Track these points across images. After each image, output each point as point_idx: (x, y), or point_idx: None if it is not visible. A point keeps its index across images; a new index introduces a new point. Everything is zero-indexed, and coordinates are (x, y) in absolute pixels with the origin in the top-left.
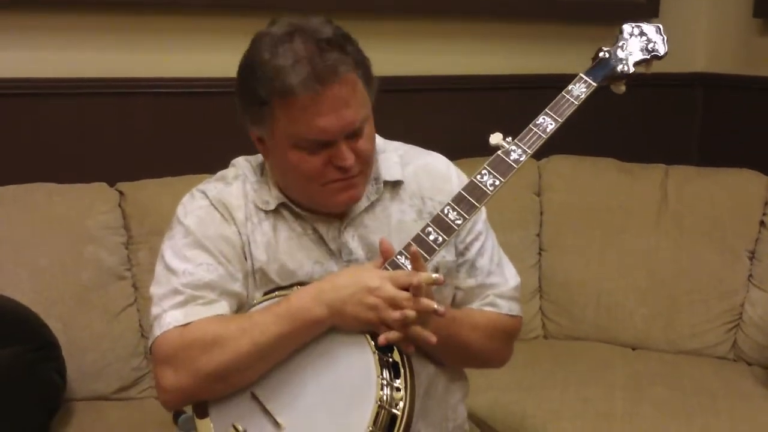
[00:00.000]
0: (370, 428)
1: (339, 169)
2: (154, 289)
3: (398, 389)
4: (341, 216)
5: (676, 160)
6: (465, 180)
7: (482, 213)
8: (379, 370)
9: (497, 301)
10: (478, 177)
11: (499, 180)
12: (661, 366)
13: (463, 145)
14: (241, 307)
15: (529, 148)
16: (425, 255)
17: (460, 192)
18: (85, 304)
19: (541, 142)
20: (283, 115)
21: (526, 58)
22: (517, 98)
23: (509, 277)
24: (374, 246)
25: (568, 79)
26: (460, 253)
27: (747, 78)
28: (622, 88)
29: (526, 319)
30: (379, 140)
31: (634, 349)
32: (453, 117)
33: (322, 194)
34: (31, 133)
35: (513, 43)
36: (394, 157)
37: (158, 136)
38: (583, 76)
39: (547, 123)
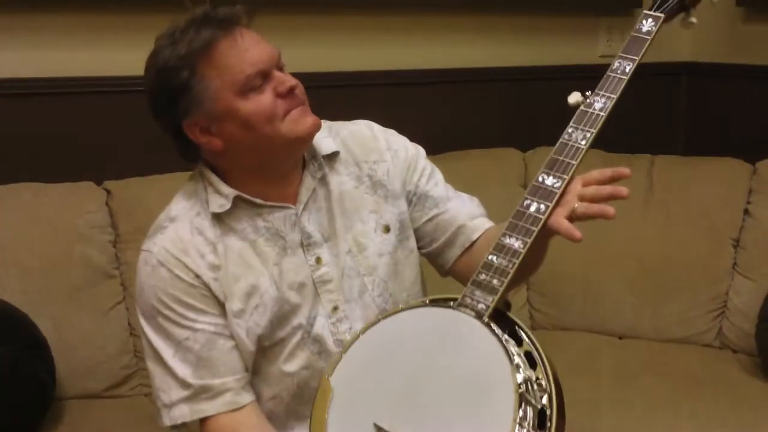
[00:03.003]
0: (517, 425)
1: (288, 96)
2: (152, 367)
3: (538, 379)
4: (293, 201)
5: (662, 150)
6: (391, 133)
7: (422, 152)
8: (510, 356)
9: (478, 220)
10: (566, 137)
11: (590, 132)
12: (648, 354)
13: (446, 139)
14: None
15: (612, 92)
16: (531, 227)
17: (551, 157)
18: (74, 303)
19: (624, 85)
20: (214, 72)
21: (509, 50)
22: (503, 90)
23: (467, 198)
24: (327, 227)
25: (552, 70)
26: (412, 196)
27: (731, 66)
28: (693, 20)
29: (514, 311)
30: None
31: (621, 338)
32: (437, 111)
33: (290, 128)
34: (16, 132)
35: (496, 35)
36: (324, 132)
37: (144, 134)
38: (648, 12)
39: (624, 65)
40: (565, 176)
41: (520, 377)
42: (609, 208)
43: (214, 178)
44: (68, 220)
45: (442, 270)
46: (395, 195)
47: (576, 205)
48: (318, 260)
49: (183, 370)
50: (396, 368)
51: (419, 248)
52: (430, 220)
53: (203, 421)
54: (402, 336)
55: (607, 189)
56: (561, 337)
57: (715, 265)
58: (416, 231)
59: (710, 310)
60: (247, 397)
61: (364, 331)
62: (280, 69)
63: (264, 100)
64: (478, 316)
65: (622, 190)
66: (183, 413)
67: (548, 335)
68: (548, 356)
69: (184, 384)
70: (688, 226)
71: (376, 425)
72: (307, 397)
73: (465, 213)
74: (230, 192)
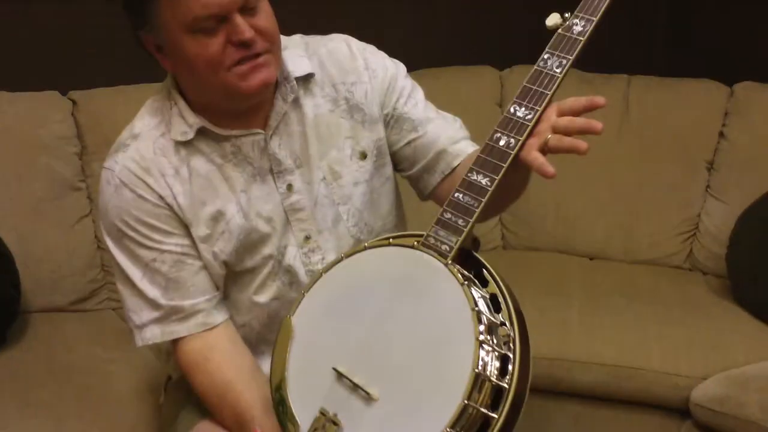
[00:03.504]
0: (477, 370)
1: (241, 47)
2: (122, 289)
3: (502, 324)
4: (263, 126)
5: (639, 70)
6: (370, 51)
7: (402, 70)
8: (473, 302)
9: (460, 144)
10: (541, 63)
11: (566, 58)
12: (618, 276)
13: (421, 55)
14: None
15: (593, 14)
16: (499, 162)
17: (524, 85)
18: (39, 216)
19: (606, 5)
20: (167, 1)
21: None
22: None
23: (450, 119)
24: (299, 153)
25: None
26: (390, 118)
27: None
28: None
29: (486, 231)
30: (282, 38)
31: (591, 259)
32: (414, 26)
33: (233, 81)
34: None
35: None
36: (299, 51)
37: (111, 42)
38: None
39: None
40: (537, 108)
41: (482, 325)
42: (581, 143)
43: (182, 103)
44: (32, 131)
45: (422, 195)
46: (373, 120)
47: (549, 137)
48: (289, 188)
49: (152, 291)
50: (357, 313)
51: (399, 171)
52: (408, 144)
53: (176, 343)
54: (364, 278)
55: (580, 122)
56: (531, 258)
57: (688, 187)
58: (395, 154)
59: (681, 232)
60: (220, 317)
61: (326, 270)
62: (251, 11)
63: (211, 46)
64: (442, 257)
65: (596, 125)
66: (154, 334)
67: (519, 255)
68: (514, 298)
69: (154, 305)
70: (662, 149)
71: (335, 369)
72: (277, 326)
73: (445, 137)
74: (194, 122)
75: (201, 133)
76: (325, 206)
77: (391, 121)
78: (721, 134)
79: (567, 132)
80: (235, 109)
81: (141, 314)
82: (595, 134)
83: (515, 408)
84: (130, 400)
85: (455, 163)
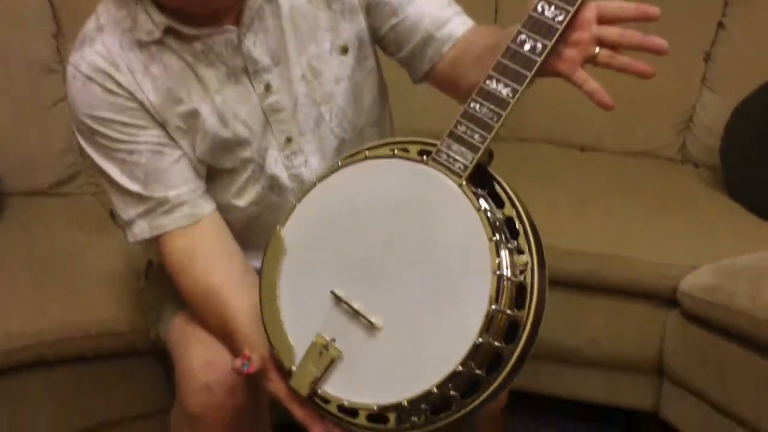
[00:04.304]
0: (493, 307)
1: None
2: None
3: (519, 251)
4: (236, 23)
5: None
6: None
7: None
8: (489, 230)
9: (448, 27)
10: None
11: None
12: (610, 167)
13: None
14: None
15: None
16: (523, 70)
17: None
18: (13, 97)
19: None
20: None
21: None
22: None
23: None
24: (276, 50)
25: None
26: (369, 5)
27: None
28: None
29: None
30: None
31: (582, 151)
32: None
33: None
34: None
35: None
36: None
37: None
38: None
39: None
40: (570, 7)
41: (498, 258)
42: (644, 66)
43: (147, 1)
44: (4, 9)
45: (413, 79)
46: (353, 9)
47: (596, 51)
48: (267, 88)
49: (133, 186)
50: (358, 232)
51: (388, 54)
52: (390, 29)
53: (162, 244)
54: (365, 193)
55: (636, 37)
56: (522, 149)
57: (684, 79)
58: (380, 40)
59: (675, 124)
60: (207, 207)
61: (322, 178)
62: None
63: None
64: (456, 176)
65: (661, 44)
66: (143, 230)
67: (510, 146)
68: (531, 218)
69: (138, 198)
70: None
71: (333, 293)
72: (257, 228)
73: (429, 20)
74: (161, 21)
75: (168, 32)
76: (306, 106)
77: (371, 8)
78: (720, 24)
79: (618, 46)
80: (203, 12)
81: (127, 210)
82: (656, 53)
83: (530, 341)
84: (111, 284)
85: (445, 50)
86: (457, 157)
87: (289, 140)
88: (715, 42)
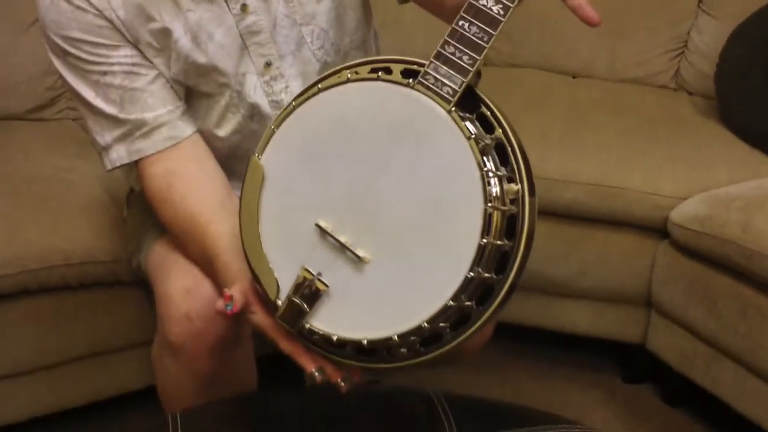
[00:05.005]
0: (483, 240)
1: None
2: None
3: (510, 179)
4: None
5: None
6: None
7: None
8: (479, 159)
9: None
10: None
11: None
12: (602, 94)
13: None
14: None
15: None
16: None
17: None
18: None
19: None
20: None
21: None
22: None
23: None
24: None
25: None
26: None
27: None
28: None
29: None
30: None
31: (574, 77)
32: None
33: None
34: None
35: None
36: None
37: None
38: None
39: None
40: None
41: (490, 187)
42: (592, 13)
43: None
44: None
45: None
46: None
47: None
48: (243, 8)
49: (109, 108)
50: (340, 161)
51: None
52: None
53: (141, 170)
54: (348, 119)
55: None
56: (513, 74)
57: (679, 2)
58: None
59: (669, 50)
60: (187, 129)
61: (300, 103)
62: None
63: None
64: (444, 101)
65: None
66: (120, 155)
67: (500, 72)
68: (521, 144)
69: (115, 121)
70: None
71: (318, 225)
72: (240, 157)
73: None
74: None
75: None
76: (286, 28)
77: None
78: None
79: None
80: None
81: (104, 134)
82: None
83: (520, 272)
84: (91, 210)
85: None
86: (446, 81)
87: (268, 65)
88: None
